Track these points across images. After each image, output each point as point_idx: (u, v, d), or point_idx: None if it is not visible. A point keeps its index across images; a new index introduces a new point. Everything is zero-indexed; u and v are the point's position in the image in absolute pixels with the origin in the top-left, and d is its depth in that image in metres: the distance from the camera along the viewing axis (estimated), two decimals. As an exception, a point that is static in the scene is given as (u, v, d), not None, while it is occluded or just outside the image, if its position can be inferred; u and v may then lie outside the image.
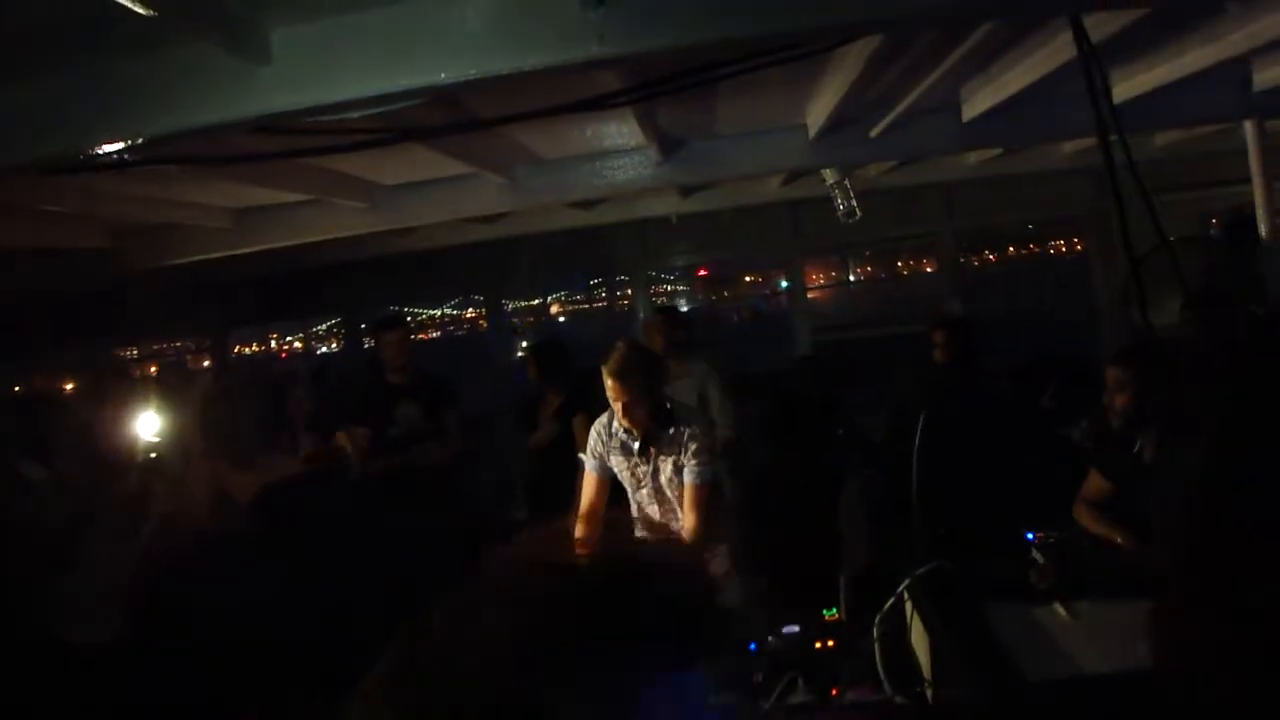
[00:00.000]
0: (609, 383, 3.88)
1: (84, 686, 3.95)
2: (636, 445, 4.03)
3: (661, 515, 4.15)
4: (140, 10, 1.81)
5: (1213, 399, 0.91)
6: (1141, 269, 2.56)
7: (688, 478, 3.97)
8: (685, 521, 3.98)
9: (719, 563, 4.20)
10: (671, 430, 4.01)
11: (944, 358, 5.96)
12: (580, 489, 4.28)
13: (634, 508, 4.26)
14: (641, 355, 3.95)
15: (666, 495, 4.10)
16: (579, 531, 4.06)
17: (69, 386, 8.25)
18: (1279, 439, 0.86)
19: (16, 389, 7.08)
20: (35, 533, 3.77)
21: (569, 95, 3.04)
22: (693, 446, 3.97)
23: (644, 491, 4.14)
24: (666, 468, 4.05)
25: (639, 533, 4.27)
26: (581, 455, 4.29)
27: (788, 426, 6.77)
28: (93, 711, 3.36)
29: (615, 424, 4.09)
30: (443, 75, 2.19)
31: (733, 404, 6.00)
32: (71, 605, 4.13)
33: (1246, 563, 0.75)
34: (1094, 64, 2.22)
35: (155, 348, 11.74)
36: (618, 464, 4.15)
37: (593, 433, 4.20)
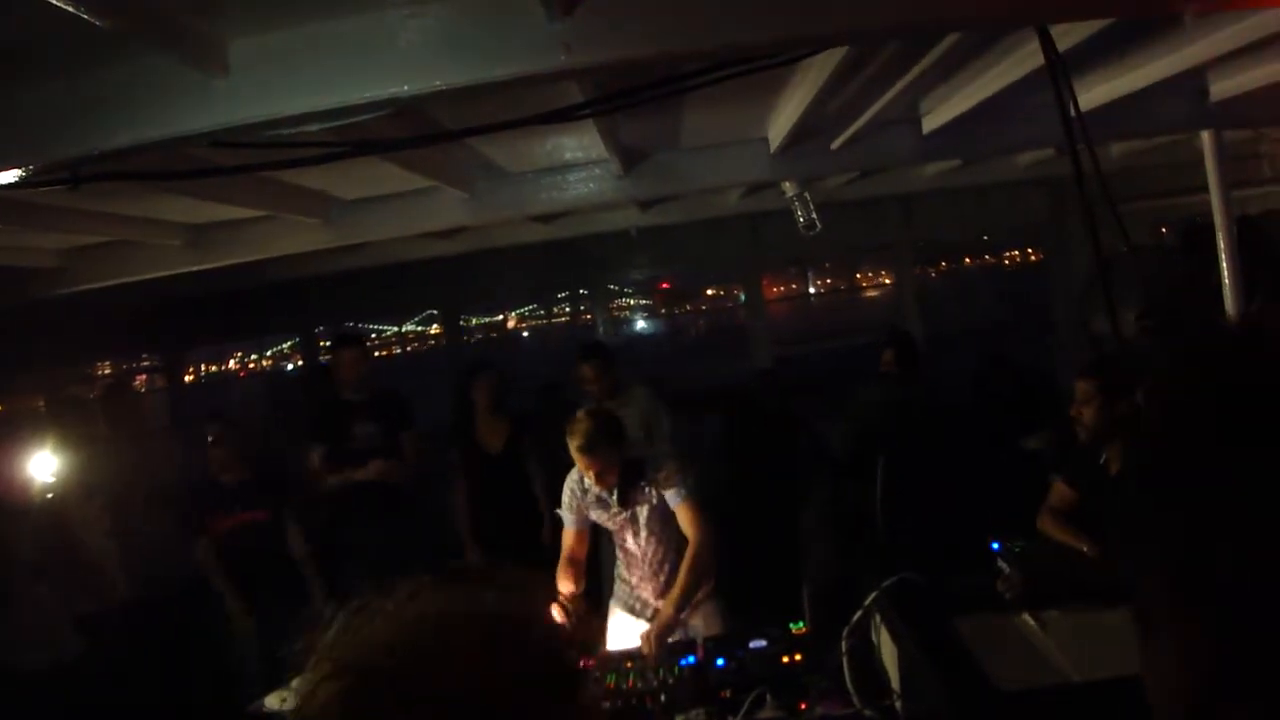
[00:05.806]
0: (578, 458, 3.94)
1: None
2: (614, 498, 4.11)
3: (652, 551, 4.21)
4: (95, 21, 1.76)
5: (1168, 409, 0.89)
6: (1102, 279, 2.58)
7: (673, 500, 4.03)
8: (691, 537, 4.02)
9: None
10: (642, 482, 4.10)
11: (893, 374, 5.99)
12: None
13: (620, 549, 4.33)
14: (605, 424, 3.97)
15: (653, 530, 4.16)
16: (561, 582, 4.08)
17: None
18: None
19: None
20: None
21: (531, 108, 3.01)
22: (663, 477, 4.05)
23: (629, 534, 4.21)
24: (644, 510, 4.13)
25: (628, 571, 4.34)
26: (559, 511, 4.34)
27: (748, 440, 6.77)
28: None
29: (587, 481, 4.12)
30: (406, 87, 2.16)
31: (688, 424, 6.00)
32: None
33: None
34: (1062, 73, 2.23)
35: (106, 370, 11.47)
36: (598, 516, 4.23)
37: (566, 489, 4.25)
